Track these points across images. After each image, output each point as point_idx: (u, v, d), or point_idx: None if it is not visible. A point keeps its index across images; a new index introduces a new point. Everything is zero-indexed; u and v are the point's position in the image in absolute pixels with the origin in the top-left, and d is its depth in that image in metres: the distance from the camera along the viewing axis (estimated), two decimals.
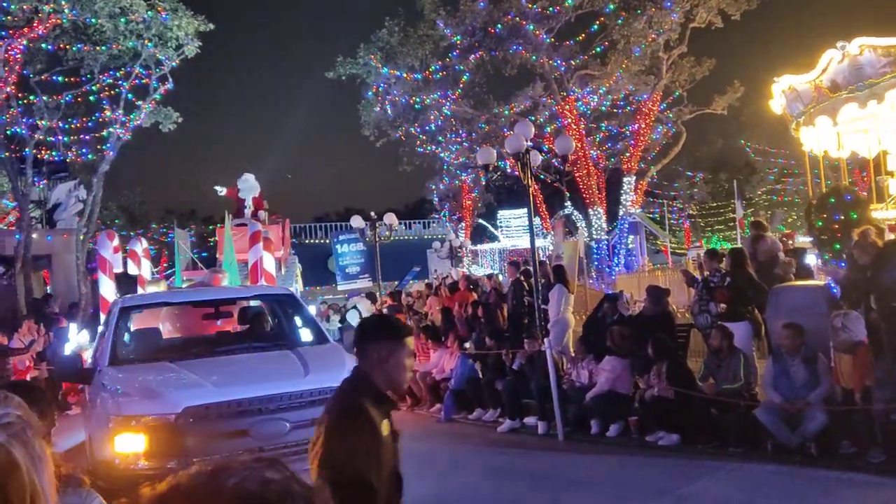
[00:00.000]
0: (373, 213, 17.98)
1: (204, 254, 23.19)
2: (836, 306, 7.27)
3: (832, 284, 8.13)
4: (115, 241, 11.65)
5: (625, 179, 23.27)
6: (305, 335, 7.04)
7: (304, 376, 5.32)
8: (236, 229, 12.81)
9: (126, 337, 6.77)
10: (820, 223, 9.25)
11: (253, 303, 8.20)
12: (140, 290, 11.50)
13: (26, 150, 18.79)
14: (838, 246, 8.77)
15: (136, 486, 0.90)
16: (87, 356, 9.28)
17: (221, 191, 14.72)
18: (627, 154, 23.47)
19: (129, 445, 4.86)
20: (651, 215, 32.58)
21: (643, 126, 22.86)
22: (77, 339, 10.67)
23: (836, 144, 11.03)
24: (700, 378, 7.59)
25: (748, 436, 6.78)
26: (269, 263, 11.43)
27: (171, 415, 4.97)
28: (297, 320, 7.50)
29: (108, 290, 10.80)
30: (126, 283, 11.94)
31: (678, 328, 9.18)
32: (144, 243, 12.28)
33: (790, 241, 13.41)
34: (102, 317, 10.00)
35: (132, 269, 12.05)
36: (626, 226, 22.79)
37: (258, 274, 10.90)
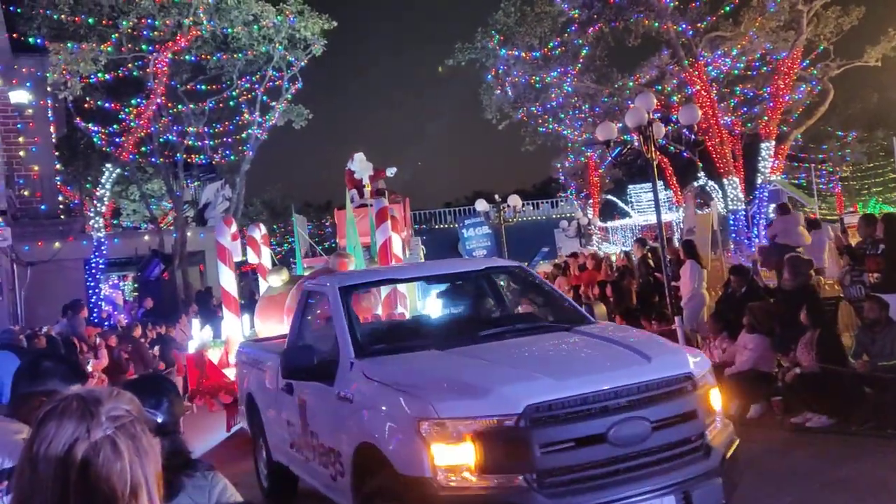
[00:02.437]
0: (497, 196, 18.05)
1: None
2: None
3: None
4: (233, 228, 10.73)
5: (763, 145, 21.80)
6: (558, 313, 5.61)
7: (648, 362, 4.14)
8: (357, 211, 12.05)
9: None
10: None
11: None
12: (261, 281, 10.95)
13: (177, 154, 20.47)
14: None
15: None
16: (213, 354, 9.07)
17: (392, 171, 14.41)
18: (765, 118, 21.97)
19: (453, 457, 3.70)
20: (796, 182, 30.40)
21: (783, 86, 21.27)
22: (200, 336, 9.79)
23: None
24: (852, 355, 7.04)
25: None
26: (396, 244, 10.67)
27: (511, 416, 3.71)
28: (539, 297, 6.25)
29: (228, 280, 9.99)
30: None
31: (825, 301, 8.55)
32: (263, 229, 11.44)
33: None
34: (226, 310, 9.75)
35: (252, 258, 11.32)
36: (766, 194, 21.38)
37: (388, 255, 9.99)
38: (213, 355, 9.19)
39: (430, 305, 8.47)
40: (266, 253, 11.24)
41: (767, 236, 11.02)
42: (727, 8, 21.45)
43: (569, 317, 5.33)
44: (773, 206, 14.56)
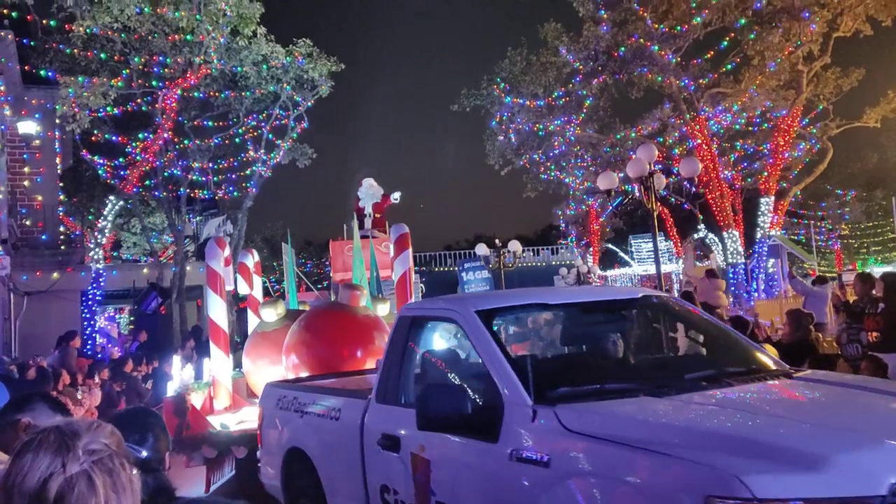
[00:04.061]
0: (497, 241, 18.10)
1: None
2: None
3: None
4: (227, 251, 9.30)
5: (762, 200, 21.97)
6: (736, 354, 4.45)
7: None
8: (351, 243, 10.82)
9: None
10: None
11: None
12: (251, 316, 9.82)
13: (181, 189, 20.59)
14: None
15: None
16: (196, 399, 7.77)
17: (397, 196, 13.30)
18: (765, 174, 22.18)
19: None
20: (795, 237, 30.53)
21: (782, 143, 21.52)
22: (181, 376, 8.30)
23: None
24: None
25: None
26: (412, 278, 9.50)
27: (869, 499, 2.59)
28: (706, 335, 4.91)
29: (218, 311, 8.51)
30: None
31: (823, 359, 8.48)
32: (256, 256, 10.24)
33: None
34: (213, 346, 8.43)
35: (242, 288, 9.95)
36: (766, 249, 21.45)
37: (407, 289, 8.64)
38: (196, 399, 7.84)
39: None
40: (258, 283, 10.20)
41: (692, 292, 11.60)
42: (729, 65, 21.89)
43: (752, 360, 4.24)
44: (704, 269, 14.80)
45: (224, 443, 6.92)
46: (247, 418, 7.74)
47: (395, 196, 13.50)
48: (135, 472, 1.23)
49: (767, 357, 4.30)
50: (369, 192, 11.93)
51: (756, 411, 3.35)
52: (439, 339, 4.92)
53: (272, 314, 8.32)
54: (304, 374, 7.20)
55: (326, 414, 4.90)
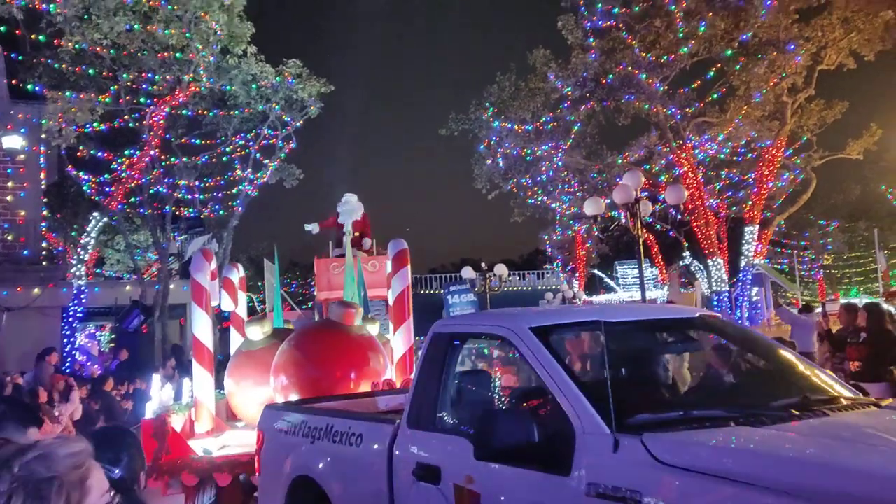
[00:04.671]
0: (483, 264, 18.10)
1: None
2: None
3: None
4: (214, 264, 8.79)
5: (747, 229, 22.17)
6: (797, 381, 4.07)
7: None
8: (337, 261, 10.17)
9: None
10: None
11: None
12: (233, 335, 9.45)
13: (167, 207, 20.47)
14: None
15: None
16: (176, 421, 7.20)
17: (313, 228, 11.67)
18: (750, 202, 22.42)
19: None
20: (779, 266, 30.78)
21: (767, 173, 21.79)
22: (160, 396, 7.64)
23: None
24: None
25: None
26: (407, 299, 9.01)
27: None
28: (768, 359, 4.46)
29: (203, 328, 8.02)
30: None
31: None
32: (241, 271, 9.67)
33: None
34: (196, 364, 7.98)
35: (227, 305, 9.39)
36: (750, 277, 21.59)
37: (405, 308, 8.21)
38: (176, 422, 7.22)
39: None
40: (243, 300, 9.68)
41: None
42: (715, 95, 22.21)
43: (827, 386, 3.91)
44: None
45: (206, 469, 6.48)
46: (230, 443, 7.43)
47: (310, 228, 12.12)
48: (92, 497, 1.18)
49: (839, 383, 4.00)
50: (348, 208, 10.94)
51: (873, 443, 2.94)
52: (479, 359, 4.64)
53: (258, 332, 7.95)
54: (293, 396, 6.84)
55: (344, 439, 4.46)
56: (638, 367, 4.39)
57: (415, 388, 4.16)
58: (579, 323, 4.34)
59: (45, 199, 19.97)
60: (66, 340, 16.87)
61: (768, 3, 19.82)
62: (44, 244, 20.30)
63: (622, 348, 4.34)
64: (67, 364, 15.93)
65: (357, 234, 10.70)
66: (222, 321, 11.93)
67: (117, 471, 2.21)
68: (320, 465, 4.60)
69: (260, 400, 7.38)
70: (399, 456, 3.93)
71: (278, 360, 7.29)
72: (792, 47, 20.07)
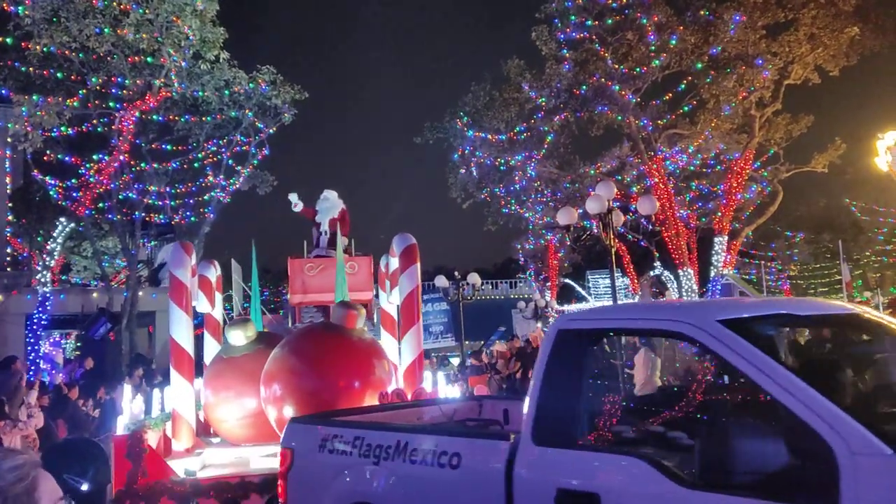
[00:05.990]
0: (457, 273, 18.09)
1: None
2: None
3: None
4: (194, 259, 8.08)
5: (716, 240, 22.51)
6: None
7: None
8: (313, 262, 9.25)
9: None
10: None
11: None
12: (207, 339, 8.84)
13: (136, 213, 20.17)
14: None
15: None
16: (151, 438, 6.35)
17: (297, 205, 10.44)
18: (719, 214, 22.78)
19: None
20: (747, 276, 31.25)
21: (735, 185, 22.18)
22: (131, 409, 6.69)
23: None
24: None
25: None
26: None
27: None
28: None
29: (182, 330, 7.31)
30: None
31: None
32: (218, 269, 8.94)
33: None
34: (174, 372, 7.28)
35: (203, 307, 8.57)
36: (719, 287, 21.91)
37: (415, 310, 7.48)
38: (151, 439, 6.37)
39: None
40: (219, 301, 8.96)
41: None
42: (685, 108, 22.58)
43: None
44: None
45: (189, 495, 5.71)
46: (213, 462, 6.82)
47: (293, 199, 10.67)
48: None
49: None
50: (326, 205, 10.01)
51: None
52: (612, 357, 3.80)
53: (241, 336, 7.11)
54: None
55: (429, 460, 3.67)
56: (864, 370, 3.67)
57: (537, 396, 3.44)
58: (769, 316, 3.45)
59: (9, 205, 19.57)
60: (29, 349, 16.50)
61: (737, 18, 20.25)
62: (8, 250, 19.87)
63: (838, 347, 3.78)
64: (31, 372, 15.56)
65: (331, 233, 10.01)
66: (195, 327, 11.23)
67: (84, 484, 2.16)
68: (394, 493, 3.80)
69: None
70: (524, 478, 3.25)
71: (270, 368, 6.49)
72: (760, 62, 20.50)
